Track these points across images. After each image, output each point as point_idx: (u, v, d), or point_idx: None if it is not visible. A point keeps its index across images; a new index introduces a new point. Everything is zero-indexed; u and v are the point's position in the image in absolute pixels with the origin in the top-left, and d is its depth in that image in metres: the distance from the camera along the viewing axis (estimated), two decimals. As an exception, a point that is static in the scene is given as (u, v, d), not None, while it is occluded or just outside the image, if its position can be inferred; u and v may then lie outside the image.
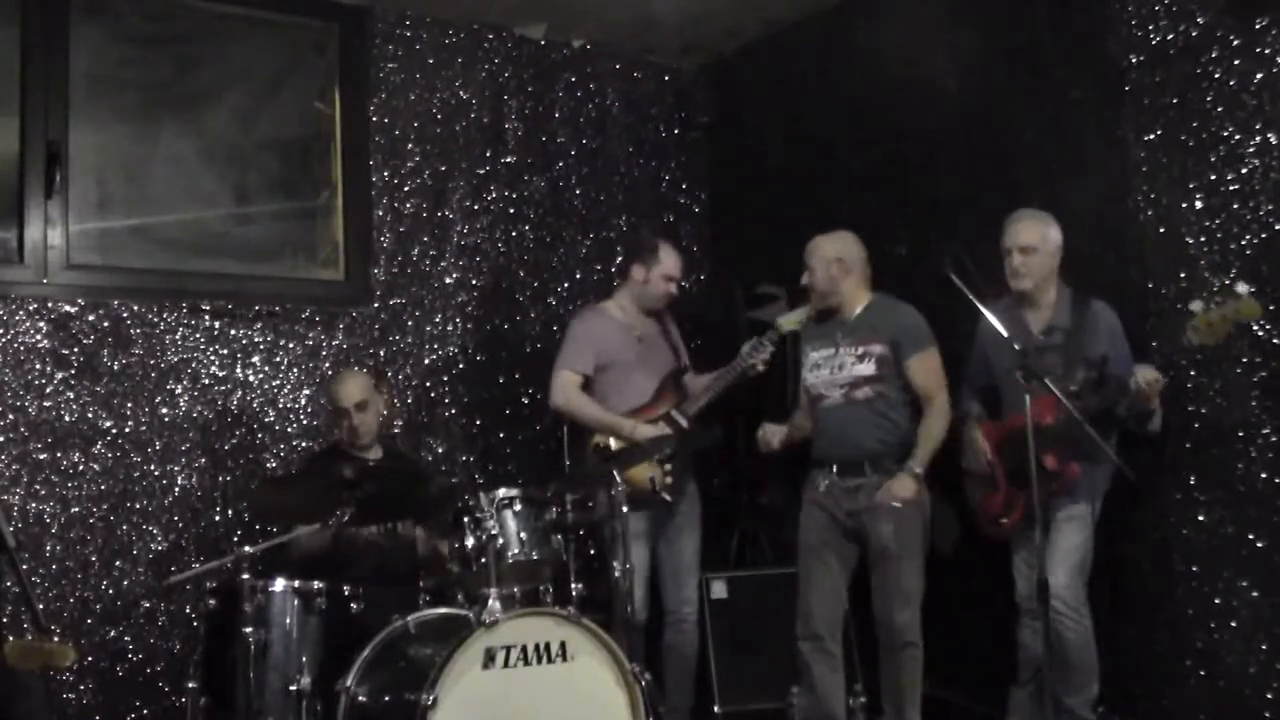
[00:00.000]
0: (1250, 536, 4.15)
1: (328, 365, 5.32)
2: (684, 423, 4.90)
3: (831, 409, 4.53)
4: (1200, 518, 4.27)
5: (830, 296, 4.59)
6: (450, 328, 5.67)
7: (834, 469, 4.50)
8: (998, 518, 4.31)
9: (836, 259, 4.57)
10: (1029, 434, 3.84)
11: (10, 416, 4.75)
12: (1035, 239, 4.26)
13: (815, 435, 4.62)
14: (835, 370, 4.53)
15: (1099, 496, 4.20)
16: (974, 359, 4.52)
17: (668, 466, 4.84)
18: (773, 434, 4.65)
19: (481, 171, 5.83)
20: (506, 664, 3.77)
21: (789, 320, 4.80)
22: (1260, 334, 4.13)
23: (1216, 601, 4.22)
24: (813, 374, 4.61)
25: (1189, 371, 4.27)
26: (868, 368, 4.48)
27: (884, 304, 4.59)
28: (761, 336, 4.82)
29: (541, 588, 4.13)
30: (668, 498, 4.83)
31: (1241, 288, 3.86)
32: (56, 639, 4.14)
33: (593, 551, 5.17)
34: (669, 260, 5.05)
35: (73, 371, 4.87)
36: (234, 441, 5.14)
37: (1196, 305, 3.90)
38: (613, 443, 4.82)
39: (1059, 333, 4.26)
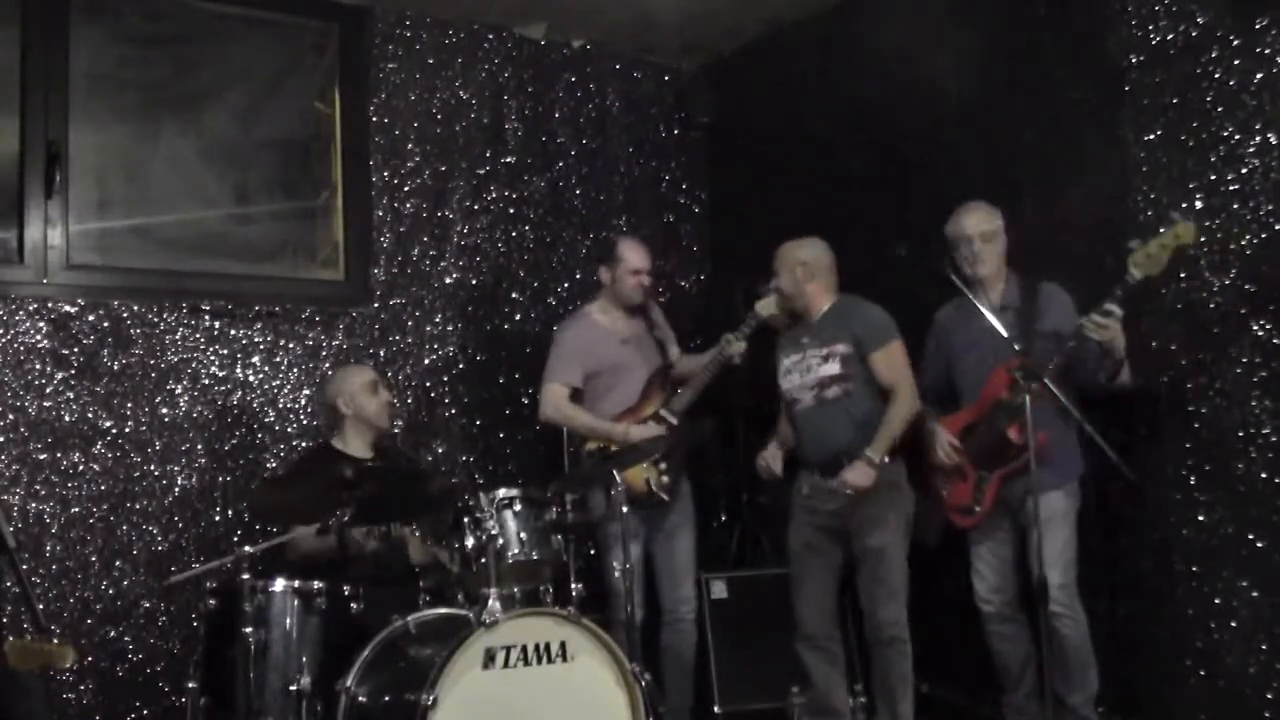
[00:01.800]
0: (1250, 536, 4.14)
1: (328, 365, 5.32)
2: (673, 420, 4.91)
3: (805, 412, 4.60)
4: (1200, 518, 4.27)
5: (795, 299, 4.66)
6: (450, 328, 5.67)
7: (814, 470, 4.57)
8: (969, 508, 4.33)
9: (801, 263, 4.64)
10: (1031, 443, 3.86)
11: (10, 416, 4.75)
12: (992, 226, 4.38)
13: (795, 439, 4.68)
14: (804, 374, 4.59)
15: (1076, 481, 4.19)
16: (929, 355, 4.57)
17: (663, 467, 4.85)
18: (773, 459, 4.71)
19: (481, 171, 5.83)
20: (506, 664, 3.76)
21: (766, 305, 4.83)
22: (1260, 334, 4.13)
23: (1216, 601, 4.21)
24: (785, 380, 4.68)
25: (1189, 371, 4.27)
26: (833, 367, 4.53)
27: (846, 304, 4.64)
28: (740, 325, 4.86)
29: (541, 588, 4.13)
30: (665, 498, 4.84)
31: (1176, 215, 3.99)
32: (56, 639, 4.12)
33: (592, 551, 5.17)
34: (630, 254, 5.06)
35: (73, 371, 4.87)
36: (234, 441, 5.14)
37: (1134, 242, 3.99)
38: (609, 447, 4.82)
39: (1010, 311, 4.31)
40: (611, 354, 4.99)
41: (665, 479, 4.84)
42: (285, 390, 5.26)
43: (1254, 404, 4.14)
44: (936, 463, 4.42)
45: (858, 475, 4.38)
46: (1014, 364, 4.07)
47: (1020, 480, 4.12)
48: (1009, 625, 4.34)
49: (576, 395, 4.97)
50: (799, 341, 4.66)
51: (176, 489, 5.00)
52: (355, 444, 4.71)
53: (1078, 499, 4.23)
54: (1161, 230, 3.98)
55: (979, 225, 4.38)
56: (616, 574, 4.43)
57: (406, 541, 4.57)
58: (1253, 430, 4.14)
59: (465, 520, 4.04)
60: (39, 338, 4.83)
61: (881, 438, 4.41)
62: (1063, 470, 4.18)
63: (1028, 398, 3.86)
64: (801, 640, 4.60)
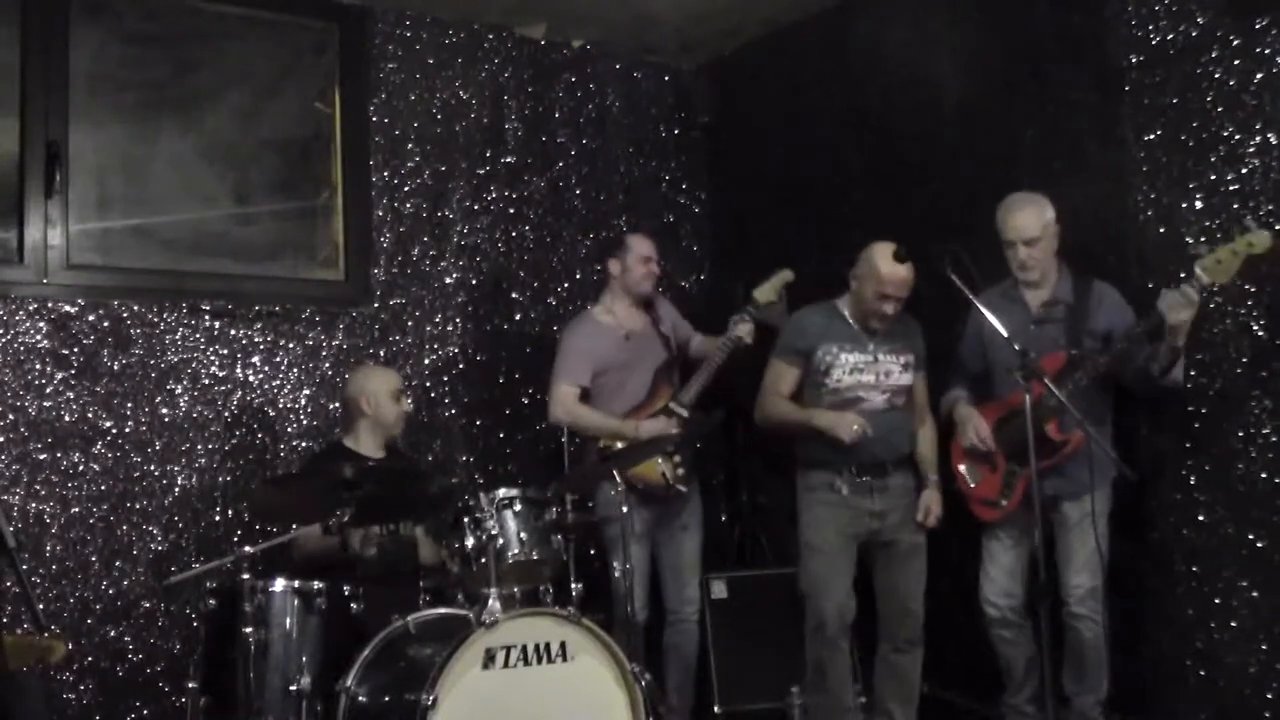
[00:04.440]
0: (1250, 536, 4.15)
1: (328, 365, 5.32)
2: (684, 412, 4.93)
3: (874, 413, 4.48)
4: (1200, 518, 4.27)
5: None
6: (450, 328, 5.67)
7: (853, 469, 4.47)
8: (995, 501, 4.31)
9: None
10: (1030, 431, 3.86)
11: (10, 416, 4.75)
12: (1036, 229, 4.25)
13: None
14: (881, 376, 4.53)
15: (1108, 484, 4.17)
16: (965, 346, 4.52)
17: (677, 459, 4.89)
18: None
19: (481, 171, 5.82)
20: (506, 664, 3.76)
21: (764, 291, 4.93)
22: (1260, 334, 4.13)
23: (1216, 601, 4.22)
24: (851, 376, 4.51)
25: (1189, 371, 4.27)
26: (908, 377, 4.57)
27: (903, 317, 4.59)
28: (741, 311, 4.94)
29: (541, 588, 4.12)
30: (683, 489, 4.87)
31: (1251, 222, 3.91)
32: (47, 634, 4.11)
33: (592, 551, 5.18)
34: (639, 244, 5.13)
35: (73, 371, 4.87)
36: (234, 441, 5.14)
37: (1201, 246, 3.95)
38: (618, 444, 4.83)
39: (1061, 306, 4.28)
40: (617, 352, 5.01)
41: (680, 470, 4.88)
42: (285, 390, 5.26)
43: (1254, 404, 4.14)
44: (967, 446, 4.38)
45: (939, 503, 4.52)
46: (1060, 359, 4.08)
47: (1053, 481, 4.10)
48: (1013, 630, 4.32)
49: (584, 395, 4.99)
50: (859, 341, 4.52)
51: (176, 489, 5.00)
52: (368, 443, 4.72)
53: (1111, 501, 4.20)
54: (1235, 236, 3.90)
55: (1020, 230, 4.24)
56: (617, 574, 4.43)
57: (418, 542, 4.57)
58: (1253, 430, 4.14)
59: (465, 520, 4.04)
60: (39, 338, 4.83)
61: (933, 463, 4.56)
62: (1101, 471, 4.08)
63: (1028, 399, 3.86)
64: (825, 643, 4.46)
